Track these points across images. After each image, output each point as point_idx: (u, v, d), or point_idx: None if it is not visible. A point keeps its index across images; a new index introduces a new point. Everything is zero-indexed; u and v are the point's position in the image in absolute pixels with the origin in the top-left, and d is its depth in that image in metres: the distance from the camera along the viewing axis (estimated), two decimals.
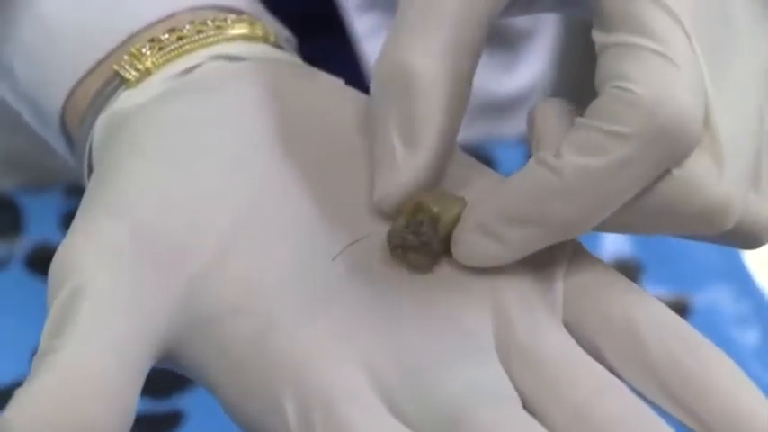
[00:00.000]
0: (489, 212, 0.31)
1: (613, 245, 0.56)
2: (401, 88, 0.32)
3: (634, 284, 0.32)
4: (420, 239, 0.32)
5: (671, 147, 0.29)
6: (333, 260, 0.32)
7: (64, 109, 0.38)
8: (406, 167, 0.32)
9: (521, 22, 0.59)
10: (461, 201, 0.32)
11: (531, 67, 0.64)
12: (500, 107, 0.64)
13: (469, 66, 0.33)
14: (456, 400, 0.29)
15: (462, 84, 0.33)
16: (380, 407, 0.29)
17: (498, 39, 0.59)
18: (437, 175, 0.33)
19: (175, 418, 0.49)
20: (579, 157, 0.30)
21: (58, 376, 0.28)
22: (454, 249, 0.32)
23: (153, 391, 0.50)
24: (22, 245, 0.56)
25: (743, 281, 0.55)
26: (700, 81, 0.30)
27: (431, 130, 0.32)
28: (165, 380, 0.50)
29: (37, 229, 0.56)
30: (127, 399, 0.29)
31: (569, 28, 0.68)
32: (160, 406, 0.50)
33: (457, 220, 0.32)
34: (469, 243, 0.31)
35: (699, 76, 0.30)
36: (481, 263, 0.32)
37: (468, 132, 0.57)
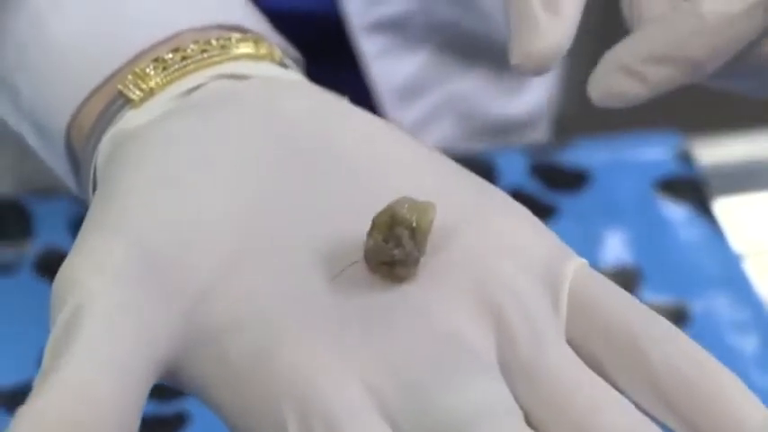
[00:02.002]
0: (634, 53, 0.36)
1: (613, 252, 0.57)
2: None
3: (636, 300, 0.32)
4: (405, 252, 0.32)
5: None
6: (332, 280, 0.32)
7: (69, 129, 0.38)
8: (549, 31, 0.35)
9: None
10: (431, 204, 0.33)
11: (537, 90, 0.64)
12: (506, 128, 0.64)
13: None
14: (456, 417, 0.29)
15: None
16: (381, 424, 0.29)
17: (505, 61, 0.60)
18: (566, 48, 0.36)
19: (181, 419, 0.50)
20: (719, 3, 0.35)
21: (57, 397, 0.28)
22: (591, 91, 0.36)
23: (159, 392, 0.50)
24: (32, 250, 0.56)
25: (741, 288, 0.55)
26: None
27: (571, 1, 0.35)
28: None
29: (46, 234, 0.56)
30: (128, 419, 0.29)
31: (575, 51, 0.69)
32: (166, 407, 0.50)
33: (431, 224, 0.33)
34: (610, 83, 0.36)
35: None
36: (618, 102, 0.36)
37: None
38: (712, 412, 0.30)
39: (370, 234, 0.33)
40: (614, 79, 0.36)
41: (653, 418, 0.30)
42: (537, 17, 0.35)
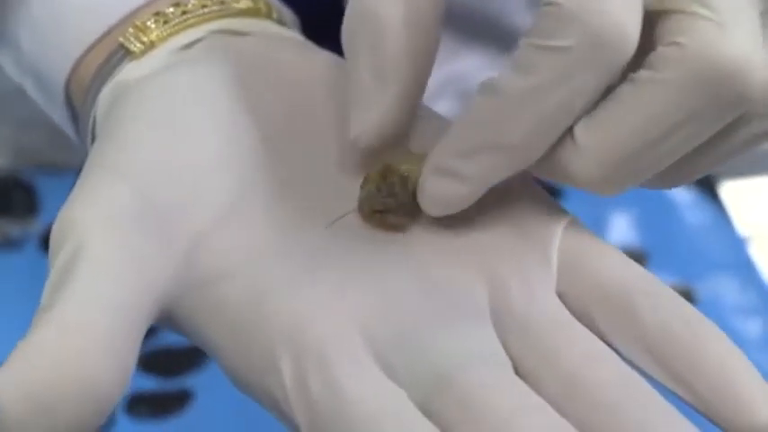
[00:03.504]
0: (443, 151, 0.32)
1: (618, 233, 0.57)
2: (370, 31, 0.33)
3: (625, 256, 0.32)
4: (397, 201, 0.33)
5: (603, 51, 0.29)
6: (327, 228, 0.33)
7: (68, 81, 0.39)
8: (378, 102, 0.33)
9: (527, 23, 0.60)
10: (424, 155, 0.33)
11: None
12: None
13: (434, 12, 0.33)
14: (447, 362, 0.29)
15: (428, 26, 0.33)
16: (373, 367, 0.30)
17: (504, 41, 0.59)
18: (409, 114, 0.33)
19: (184, 397, 0.50)
20: (516, 75, 0.30)
21: (56, 331, 0.29)
22: (420, 200, 0.32)
23: (162, 369, 0.50)
24: (37, 226, 0.56)
25: (747, 271, 0.55)
26: None
27: (400, 65, 0.33)
28: (174, 359, 0.51)
29: (52, 210, 0.57)
30: (125, 355, 0.29)
31: None
32: (169, 385, 0.50)
33: None
34: (431, 189, 0.32)
35: None
36: (446, 207, 0.32)
37: None
38: (699, 368, 0.30)
39: (362, 185, 0.33)
40: (434, 184, 0.32)
41: (641, 373, 0.30)
42: (366, 90, 0.33)
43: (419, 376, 0.29)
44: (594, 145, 0.31)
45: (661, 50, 0.30)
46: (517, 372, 0.30)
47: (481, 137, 0.31)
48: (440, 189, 0.32)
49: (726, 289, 0.55)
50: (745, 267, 0.56)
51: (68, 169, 0.58)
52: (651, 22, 0.30)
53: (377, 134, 0.33)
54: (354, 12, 0.33)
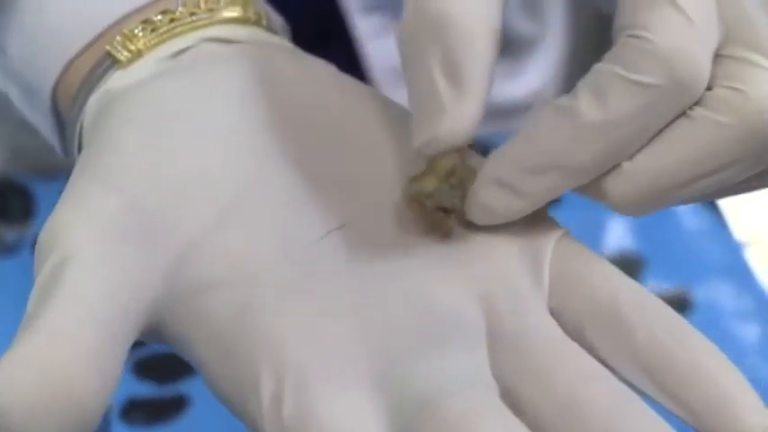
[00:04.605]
0: (506, 165, 0.31)
1: (615, 238, 0.57)
2: (441, 33, 0.31)
3: (619, 271, 0.32)
4: (462, 202, 0.32)
5: (684, 93, 0.30)
6: (320, 240, 0.33)
7: (55, 89, 0.38)
8: (455, 110, 0.31)
9: (527, 28, 0.60)
10: (476, 172, 0.32)
11: (536, 74, 0.64)
12: (504, 112, 0.64)
13: (499, 11, 0.32)
14: (429, 387, 0.29)
15: (496, 28, 0.32)
16: (353, 390, 0.29)
17: (504, 45, 0.59)
18: (479, 121, 0.32)
19: (180, 403, 0.50)
20: (595, 103, 0.30)
21: (40, 342, 0.28)
22: (470, 208, 0.32)
23: (158, 375, 0.50)
24: (34, 230, 0.56)
25: (744, 276, 0.55)
26: (712, 34, 0.30)
27: (477, 71, 0.32)
28: (170, 365, 0.51)
29: (48, 215, 0.56)
30: (109, 367, 0.29)
31: (578, 33, 0.68)
32: (165, 391, 0.50)
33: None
34: (487, 199, 0.32)
35: (711, 30, 0.30)
36: (499, 218, 0.32)
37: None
38: (693, 383, 0.30)
39: (421, 177, 0.32)
40: (489, 194, 0.31)
41: (634, 389, 0.30)
42: (440, 96, 0.31)
43: (402, 401, 0.29)
44: (639, 172, 0.31)
45: (720, 92, 0.30)
46: (511, 391, 0.30)
47: (549, 158, 0.31)
48: (495, 200, 0.32)
49: (723, 294, 0.55)
50: (742, 273, 0.56)
51: (65, 173, 0.58)
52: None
53: (451, 142, 0.32)
54: (419, 12, 0.32)
